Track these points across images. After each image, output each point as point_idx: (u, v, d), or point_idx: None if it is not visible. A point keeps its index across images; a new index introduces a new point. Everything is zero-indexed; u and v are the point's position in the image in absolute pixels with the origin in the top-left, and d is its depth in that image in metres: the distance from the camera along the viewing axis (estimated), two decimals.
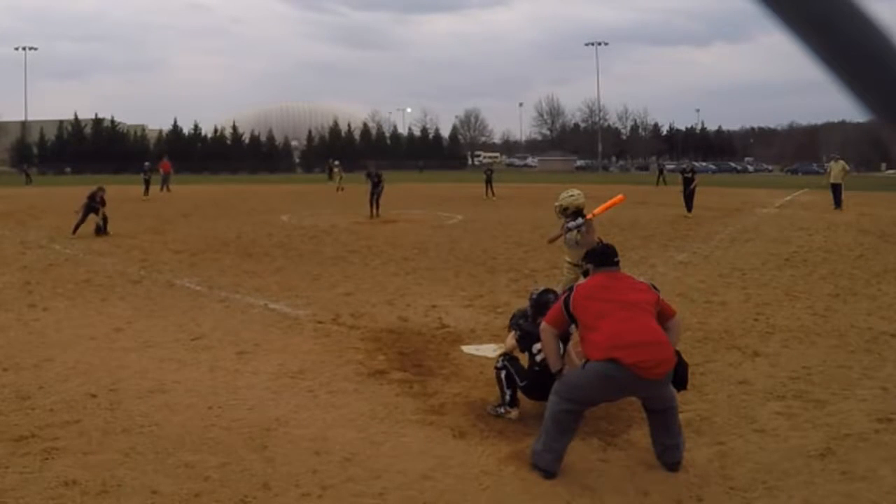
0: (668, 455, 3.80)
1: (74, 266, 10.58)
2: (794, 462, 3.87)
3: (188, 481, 3.62)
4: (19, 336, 6.50)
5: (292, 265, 10.79)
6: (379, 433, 4.28)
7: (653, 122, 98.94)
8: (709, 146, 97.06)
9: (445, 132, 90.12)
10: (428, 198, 27.12)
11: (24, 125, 71.03)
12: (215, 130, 74.92)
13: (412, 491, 3.56)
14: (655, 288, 4.10)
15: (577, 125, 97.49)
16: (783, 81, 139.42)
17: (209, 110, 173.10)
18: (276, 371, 5.47)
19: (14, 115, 76.00)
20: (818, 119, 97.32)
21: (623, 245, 9.85)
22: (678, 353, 3.84)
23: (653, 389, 3.72)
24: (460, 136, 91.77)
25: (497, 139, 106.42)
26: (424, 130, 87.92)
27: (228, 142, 73.86)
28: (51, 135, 69.27)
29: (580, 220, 6.05)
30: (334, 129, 78.74)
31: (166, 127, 75.36)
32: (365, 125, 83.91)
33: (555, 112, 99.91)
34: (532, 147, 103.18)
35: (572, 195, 6.28)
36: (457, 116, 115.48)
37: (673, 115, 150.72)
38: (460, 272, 10.16)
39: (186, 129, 73.99)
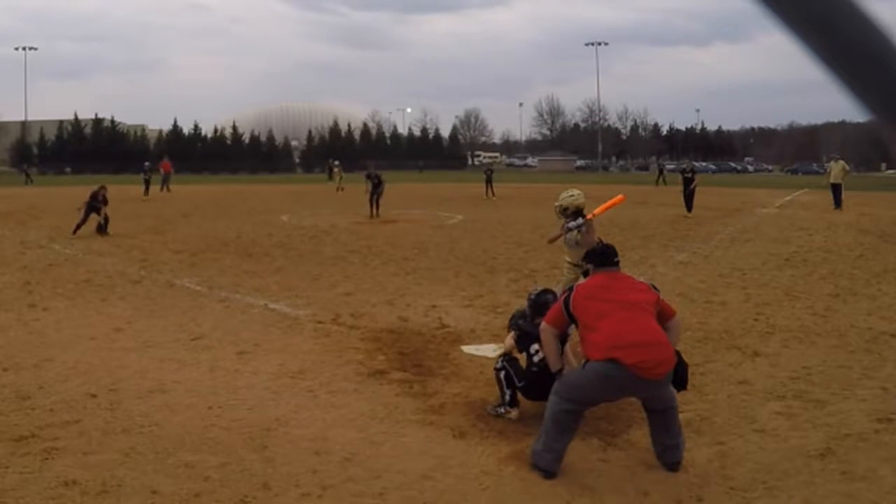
0: (668, 455, 3.80)
1: (74, 266, 10.58)
2: (794, 462, 3.87)
3: (188, 481, 3.62)
4: (19, 336, 6.50)
5: (292, 265, 10.79)
6: (379, 433, 4.28)
7: (653, 122, 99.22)
8: (709, 146, 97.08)
9: (445, 132, 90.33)
10: (428, 198, 27.12)
11: (24, 125, 71.04)
12: (215, 130, 74.94)
13: (412, 491, 3.56)
14: (655, 288, 4.10)
15: (577, 125, 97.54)
16: (783, 81, 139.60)
17: (209, 110, 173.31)
18: (276, 371, 5.47)
19: (14, 115, 76.16)
20: (818, 119, 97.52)
21: (623, 245, 9.85)
22: (678, 354, 3.84)
23: (653, 390, 3.72)
24: (460, 136, 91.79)
25: (497, 139, 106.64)
26: (424, 130, 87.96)
27: (228, 142, 73.87)
28: (51, 135, 69.30)
29: (580, 221, 6.05)
30: (334, 129, 78.75)
31: (166, 127, 75.54)
32: (365, 125, 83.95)
33: (555, 112, 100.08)
34: (532, 147, 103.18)
35: (572, 195, 6.28)
36: (457, 116, 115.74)
37: (673, 115, 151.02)
38: (460, 272, 10.16)
39: (186, 129, 74.20)
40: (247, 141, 74.28)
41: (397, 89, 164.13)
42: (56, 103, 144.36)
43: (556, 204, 6.35)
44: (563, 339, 4.18)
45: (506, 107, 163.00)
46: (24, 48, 75.22)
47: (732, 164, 79.41)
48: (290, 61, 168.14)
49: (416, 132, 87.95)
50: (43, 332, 6.66)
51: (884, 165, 70.94)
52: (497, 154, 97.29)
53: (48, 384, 5.09)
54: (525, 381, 4.45)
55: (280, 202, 25.00)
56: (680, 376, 3.89)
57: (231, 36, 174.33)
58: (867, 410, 4.63)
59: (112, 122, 71.55)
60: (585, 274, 4.48)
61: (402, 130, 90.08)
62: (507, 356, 4.69)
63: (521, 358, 4.64)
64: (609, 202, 6.31)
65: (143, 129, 76.24)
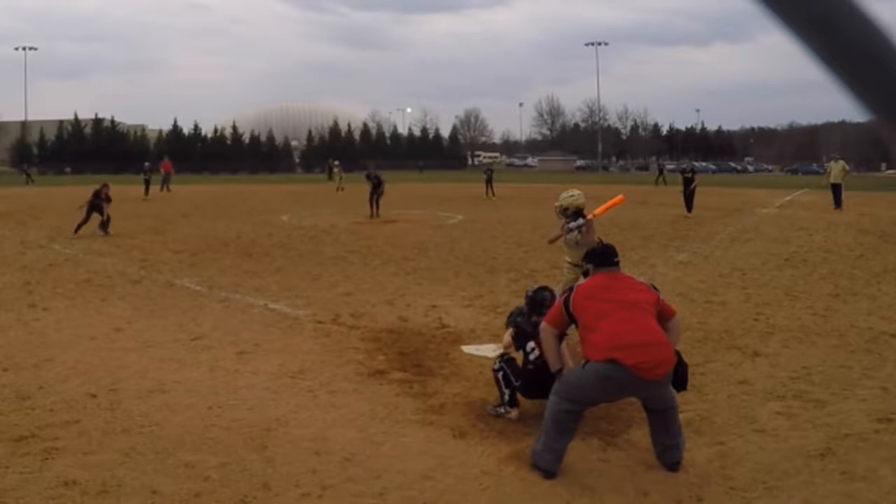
0: (668, 455, 3.80)
1: (74, 266, 10.58)
2: (794, 462, 3.87)
3: (188, 481, 3.62)
4: (19, 336, 6.50)
5: (292, 265, 10.79)
6: (379, 433, 4.28)
7: (653, 122, 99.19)
8: (709, 146, 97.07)
9: (445, 132, 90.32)
10: (428, 198, 27.12)
11: (24, 125, 71.03)
12: (215, 130, 74.94)
13: (412, 491, 3.56)
14: (655, 288, 4.10)
15: (577, 125, 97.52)
16: (783, 81, 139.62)
17: (209, 110, 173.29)
18: (276, 371, 5.47)
19: (14, 115, 76.14)
20: (818, 119, 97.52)
21: (623, 245, 9.85)
22: (678, 354, 3.84)
23: (653, 390, 3.72)
24: (460, 136, 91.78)
25: (497, 139, 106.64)
26: (424, 130, 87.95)
27: (228, 142, 73.87)
28: (51, 135, 69.29)
29: (581, 221, 6.05)
30: (334, 129, 78.74)
31: (166, 127, 75.52)
32: (365, 125, 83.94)
33: (555, 112, 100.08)
34: (532, 147, 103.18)
35: (573, 195, 6.28)
36: (457, 116, 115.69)
37: (673, 115, 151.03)
38: (460, 272, 10.16)
39: (186, 129, 74.15)
40: (247, 141, 74.27)
41: (397, 89, 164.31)
42: (56, 103, 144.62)
43: (557, 204, 6.35)
44: (559, 337, 4.19)
45: (506, 107, 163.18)
46: (24, 48, 75.36)
47: (732, 164, 79.40)
48: (290, 61, 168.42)
49: (416, 132, 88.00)
50: (43, 332, 6.66)
51: (884, 165, 70.94)
52: (497, 154, 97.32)
53: (48, 384, 5.09)
54: (522, 379, 4.45)
55: (280, 202, 25.00)
56: (680, 376, 3.89)
57: (231, 36, 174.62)
58: (867, 410, 4.63)
59: (112, 122, 71.55)
60: (585, 274, 4.48)
61: (402, 130, 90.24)
62: (504, 356, 4.71)
63: (519, 356, 4.65)
64: (609, 202, 6.31)
65: (143, 129, 76.23)
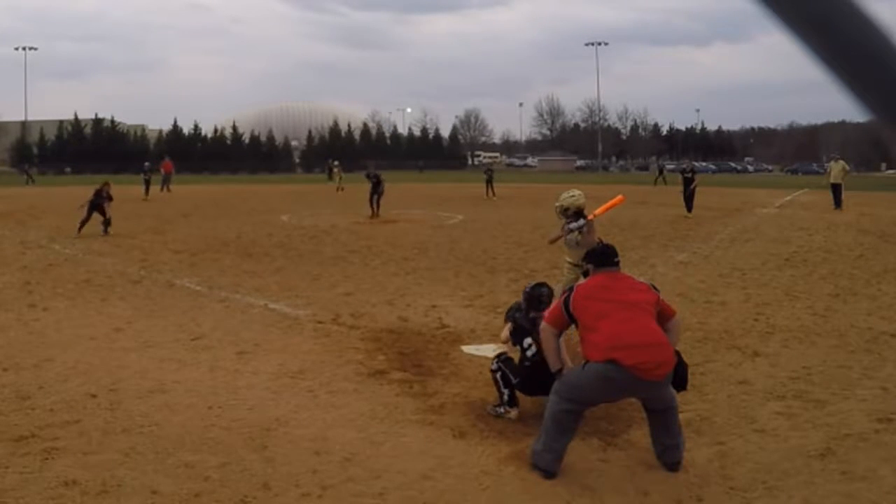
0: (668, 455, 3.80)
1: (74, 266, 10.59)
2: (794, 462, 3.88)
3: (188, 481, 3.62)
4: (19, 336, 6.50)
5: (292, 265, 10.79)
6: (379, 433, 4.29)
7: (653, 122, 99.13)
8: (709, 146, 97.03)
9: (445, 132, 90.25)
10: (428, 198, 27.12)
11: (24, 125, 71.01)
12: (215, 130, 74.91)
13: (412, 491, 3.56)
14: (655, 288, 4.10)
15: (577, 125, 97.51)
16: (783, 81, 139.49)
17: (209, 110, 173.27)
18: (276, 371, 5.47)
19: (14, 115, 76.12)
20: (818, 119, 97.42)
21: (623, 245, 9.85)
22: (678, 354, 3.84)
23: (653, 390, 3.72)
24: (460, 136, 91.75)
25: (497, 139, 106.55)
26: (424, 130, 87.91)
27: (228, 142, 73.84)
28: (51, 135, 69.25)
29: (581, 221, 6.06)
30: (334, 129, 78.73)
31: (166, 127, 75.47)
32: (365, 125, 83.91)
33: (555, 112, 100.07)
34: (532, 147, 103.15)
35: (573, 195, 6.28)
36: (457, 116, 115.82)
37: (673, 115, 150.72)
38: (460, 272, 10.16)
39: (186, 129, 74.08)
40: (247, 141, 74.24)
41: (397, 89, 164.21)
42: (56, 103, 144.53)
43: (557, 204, 6.36)
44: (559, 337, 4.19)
45: (506, 107, 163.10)
46: (24, 48, 75.26)
47: (732, 164, 79.38)
48: (290, 61, 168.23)
49: (416, 132, 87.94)
50: (43, 332, 6.66)
51: (884, 165, 70.93)
52: (497, 154, 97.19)
53: (48, 384, 5.09)
54: (520, 376, 4.46)
55: (280, 202, 25.00)
56: (680, 377, 3.89)
57: (231, 36, 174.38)
58: (867, 410, 4.63)
59: (112, 122, 71.52)
60: (585, 274, 4.48)
61: (402, 130, 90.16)
62: (501, 356, 4.72)
63: (516, 353, 4.66)
64: (609, 203, 6.32)
65: (143, 129, 76.19)
